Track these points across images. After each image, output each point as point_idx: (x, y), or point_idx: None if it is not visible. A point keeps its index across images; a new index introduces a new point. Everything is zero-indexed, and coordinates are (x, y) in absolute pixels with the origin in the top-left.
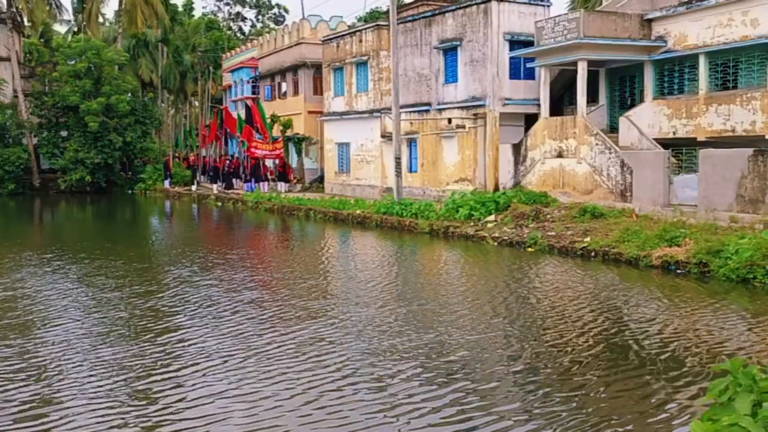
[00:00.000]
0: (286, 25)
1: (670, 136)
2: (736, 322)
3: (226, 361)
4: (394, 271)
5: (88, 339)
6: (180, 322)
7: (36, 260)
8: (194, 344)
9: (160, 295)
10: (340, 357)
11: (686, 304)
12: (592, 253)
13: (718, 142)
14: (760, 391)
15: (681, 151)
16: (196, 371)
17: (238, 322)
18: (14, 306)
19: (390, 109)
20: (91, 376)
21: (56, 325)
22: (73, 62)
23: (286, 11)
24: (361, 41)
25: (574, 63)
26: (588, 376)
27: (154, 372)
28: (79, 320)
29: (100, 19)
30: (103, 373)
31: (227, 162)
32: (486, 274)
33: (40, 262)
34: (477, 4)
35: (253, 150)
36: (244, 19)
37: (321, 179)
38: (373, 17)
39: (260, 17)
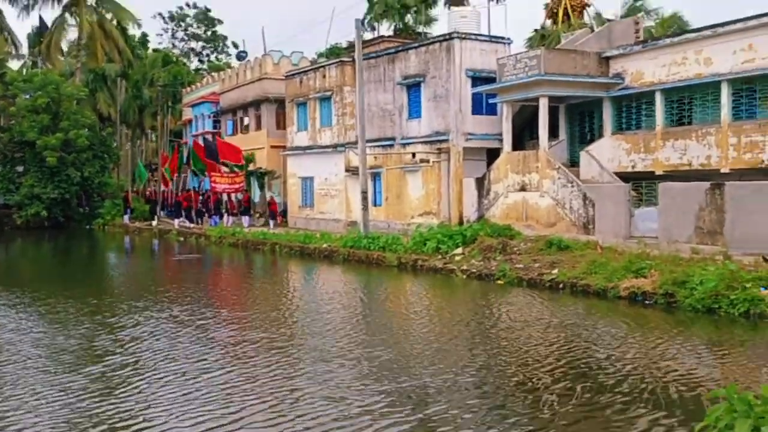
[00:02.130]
0: (249, 60)
1: (630, 169)
2: (702, 352)
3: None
4: (366, 307)
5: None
6: (134, 368)
7: None
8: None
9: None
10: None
11: (655, 335)
12: (561, 285)
13: (676, 175)
14: (756, 416)
15: (641, 184)
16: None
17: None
18: None
19: (354, 143)
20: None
21: None
22: (28, 96)
23: (236, 46)
24: (324, 77)
25: (535, 99)
26: (559, 410)
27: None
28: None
29: (60, 55)
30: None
31: (200, 197)
32: (459, 308)
33: None
34: (440, 41)
35: (213, 185)
36: (198, 54)
37: (284, 213)
38: (334, 53)
39: (215, 53)
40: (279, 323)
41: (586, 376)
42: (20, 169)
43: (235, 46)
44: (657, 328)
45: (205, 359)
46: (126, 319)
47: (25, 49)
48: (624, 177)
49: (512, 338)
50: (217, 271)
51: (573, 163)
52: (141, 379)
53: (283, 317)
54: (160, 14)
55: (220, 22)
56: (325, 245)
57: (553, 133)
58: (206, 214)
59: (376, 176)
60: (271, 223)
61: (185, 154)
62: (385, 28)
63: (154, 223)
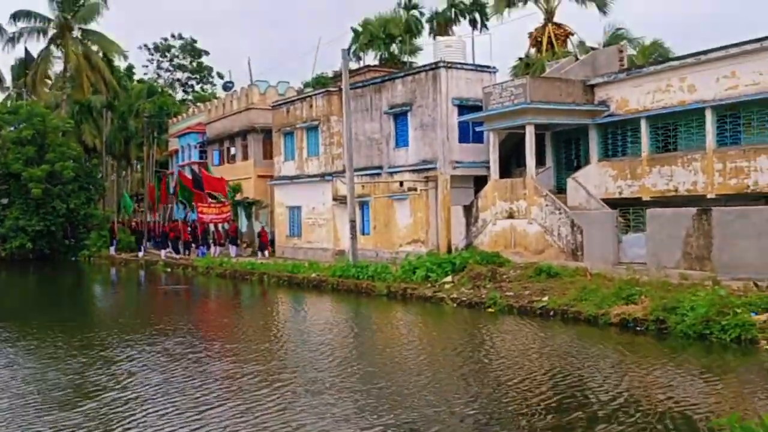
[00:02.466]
0: (235, 90)
1: (617, 196)
2: (696, 379)
3: None
4: (359, 338)
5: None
6: (125, 396)
7: None
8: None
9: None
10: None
11: (648, 362)
12: (551, 313)
13: (662, 201)
14: None
15: (628, 210)
16: None
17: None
18: None
19: (341, 172)
20: None
21: None
22: (13, 128)
23: (221, 77)
24: (311, 106)
25: (522, 126)
26: None
27: None
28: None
29: (46, 87)
30: None
31: (188, 228)
32: (452, 337)
33: None
34: (426, 70)
35: (200, 215)
36: (183, 84)
37: (272, 243)
38: (320, 82)
39: (200, 83)
40: (272, 355)
41: (582, 405)
42: (5, 201)
43: (221, 76)
44: (650, 355)
45: (202, 394)
46: (119, 353)
47: (8, 81)
48: (611, 203)
49: (506, 368)
50: (206, 302)
51: (560, 189)
52: (138, 415)
53: (276, 349)
54: (145, 45)
55: (206, 53)
56: (313, 275)
57: (540, 161)
58: (194, 245)
59: (363, 205)
60: (260, 253)
61: (172, 185)
62: (371, 58)
63: (141, 254)
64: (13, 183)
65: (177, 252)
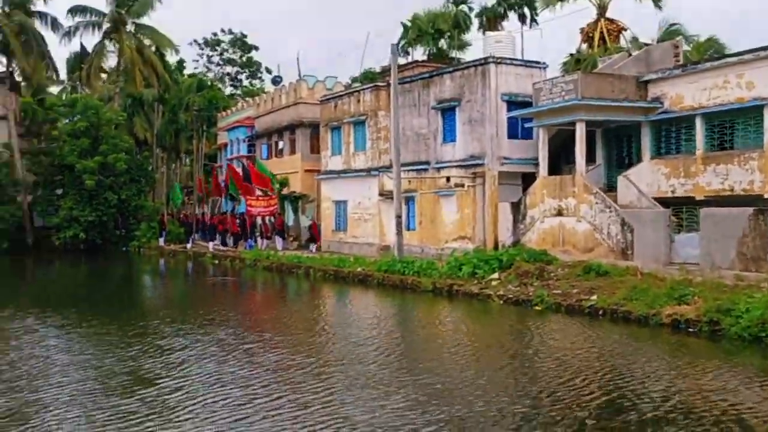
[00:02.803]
0: (283, 85)
1: (669, 195)
2: (752, 383)
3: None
4: (407, 333)
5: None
6: (180, 384)
7: (37, 322)
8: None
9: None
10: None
11: (702, 365)
12: (600, 312)
13: (717, 201)
14: None
15: (681, 209)
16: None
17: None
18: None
19: (388, 167)
20: None
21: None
22: (67, 121)
23: (269, 72)
24: (359, 101)
25: (572, 123)
26: None
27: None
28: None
29: (100, 80)
30: None
31: (237, 221)
32: (500, 335)
33: (39, 323)
34: (475, 65)
35: (249, 208)
36: (233, 79)
37: (310, 238)
38: (368, 78)
39: (249, 78)
40: (322, 348)
41: (632, 407)
42: (59, 191)
43: (269, 71)
44: (703, 357)
45: (254, 384)
46: (173, 342)
47: (63, 74)
48: (663, 202)
49: (554, 366)
50: (254, 294)
51: (610, 187)
52: (194, 404)
53: (325, 342)
54: (195, 41)
55: (256, 48)
56: (359, 269)
57: (590, 158)
58: (242, 238)
59: (410, 200)
60: (313, 246)
61: (222, 178)
62: (419, 53)
63: (189, 245)
64: (67, 174)
65: (224, 244)
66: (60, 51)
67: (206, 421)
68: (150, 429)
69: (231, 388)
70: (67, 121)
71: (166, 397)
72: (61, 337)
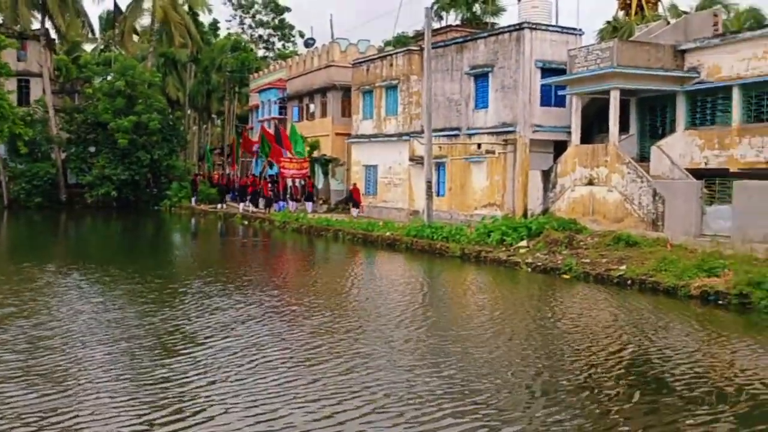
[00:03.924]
0: (316, 47)
1: (702, 166)
2: None
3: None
4: (437, 297)
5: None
6: (215, 342)
7: (81, 278)
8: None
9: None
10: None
11: (734, 338)
12: (629, 282)
13: (751, 173)
14: None
15: (714, 181)
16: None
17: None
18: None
19: (419, 132)
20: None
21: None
22: (101, 79)
23: (302, 35)
24: (391, 65)
25: (606, 92)
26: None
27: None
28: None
29: (133, 39)
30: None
31: (269, 184)
32: (525, 302)
33: (83, 279)
34: (510, 31)
35: (282, 170)
36: (265, 41)
37: (347, 201)
38: (400, 42)
39: (282, 41)
40: (358, 312)
41: (658, 380)
42: (92, 149)
43: (302, 35)
44: (730, 329)
45: (298, 348)
46: (216, 302)
47: (97, 33)
48: (696, 174)
49: (581, 334)
50: (287, 256)
51: (643, 158)
52: (242, 364)
53: (361, 306)
54: (229, 0)
55: (288, 9)
56: (388, 233)
57: (623, 127)
58: (274, 200)
59: (440, 166)
60: (355, 211)
61: (255, 140)
62: (452, 18)
63: (222, 206)
64: (100, 132)
65: (255, 206)
66: (93, 9)
67: (257, 382)
68: (199, 388)
69: (277, 350)
70: (101, 79)
71: (213, 358)
72: (105, 294)
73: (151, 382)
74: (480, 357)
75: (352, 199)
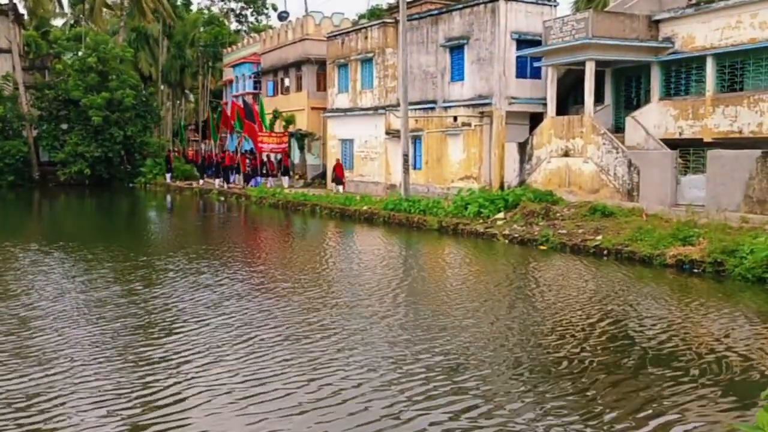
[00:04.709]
0: (290, 21)
1: (676, 136)
2: (755, 323)
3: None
4: (416, 269)
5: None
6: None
7: (37, 253)
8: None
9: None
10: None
11: (708, 305)
12: (605, 252)
13: (725, 143)
14: None
15: (688, 151)
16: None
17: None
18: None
19: (395, 106)
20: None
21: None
22: (72, 55)
23: (275, 8)
24: (366, 38)
25: (581, 63)
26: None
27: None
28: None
29: (103, 14)
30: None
31: (247, 159)
32: (502, 274)
33: (42, 254)
34: (484, 3)
35: (260, 145)
36: (237, 15)
37: (323, 175)
38: (375, 14)
39: (254, 14)
40: (341, 287)
41: (632, 347)
42: (64, 126)
43: (275, 8)
44: (705, 296)
45: (287, 324)
46: (204, 279)
47: (66, 8)
48: (671, 144)
49: (567, 305)
50: (267, 232)
51: (618, 128)
52: (239, 343)
53: (343, 281)
54: None
55: None
56: (365, 207)
57: (599, 98)
58: (252, 175)
59: (416, 139)
60: (339, 187)
61: (229, 115)
62: None
63: (200, 182)
64: (72, 109)
65: (227, 181)
66: None
67: (256, 357)
68: (201, 366)
69: (269, 328)
70: (71, 55)
71: (213, 334)
72: (91, 272)
73: (148, 361)
74: (461, 329)
75: (334, 175)
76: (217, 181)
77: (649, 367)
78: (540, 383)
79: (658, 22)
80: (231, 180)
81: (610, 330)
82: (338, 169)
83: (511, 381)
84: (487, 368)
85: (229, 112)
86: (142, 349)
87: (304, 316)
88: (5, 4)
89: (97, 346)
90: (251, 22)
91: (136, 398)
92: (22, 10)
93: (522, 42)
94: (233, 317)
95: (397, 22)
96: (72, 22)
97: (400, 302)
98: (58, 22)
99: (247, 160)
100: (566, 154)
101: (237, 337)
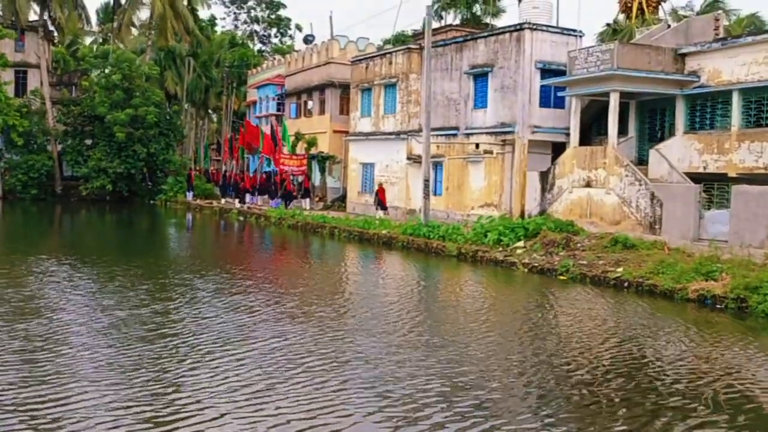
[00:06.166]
0: (315, 44)
1: (701, 170)
2: None
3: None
4: (433, 298)
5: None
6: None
7: (55, 266)
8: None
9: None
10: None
11: (730, 342)
12: (626, 284)
13: (750, 178)
14: None
15: (712, 186)
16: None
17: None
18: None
19: (417, 131)
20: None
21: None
22: (99, 72)
23: (299, 29)
24: (390, 63)
25: (605, 94)
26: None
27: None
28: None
29: (131, 33)
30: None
31: (266, 180)
32: (521, 302)
33: (58, 268)
34: (510, 31)
35: (281, 166)
36: (261, 37)
37: (342, 198)
38: (399, 40)
39: (278, 36)
40: (358, 311)
41: (652, 381)
42: (89, 142)
43: (299, 29)
44: (727, 333)
45: (308, 342)
46: (225, 300)
47: (95, 26)
48: (694, 178)
49: (585, 337)
50: (287, 253)
51: (641, 161)
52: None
53: (360, 305)
54: None
55: (284, 5)
56: (384, 231)
57: (622, 130)
58: (275, 196)
59: (437, 165)
60: (381, 212)
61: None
62: (452, 18)
63: (222, 201)
64: (97, 125)
65: (242, 201)
66: (92, 1)
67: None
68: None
69: (308, 353)
70: (98, 72)
71: (242, 356)
72: (112, 287)
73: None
74: (475, 357)
75: (377, 198)
76: (236, 201)
77: (664, 401)
78: (554, 414)
79: (684, 55)
80: (251, 200)
81: (628, 365)
82: (381, 193)
83: (518, 412)
84: (496, 397)
85: (245, 132)
86: (176, 376)
87: (338, 344)
88: (36, 21)
89: (136, 369)
90: (275, 44)
91: (146, 416)
92: (51, 27)
93: (546, 71)
94: (260, 342)
95: (421, 48)
96: (100, 39)
97: (410, 327)
98: (86, 40)
99: (267, 181)
100: (588, 185)
101: (287, 363)
